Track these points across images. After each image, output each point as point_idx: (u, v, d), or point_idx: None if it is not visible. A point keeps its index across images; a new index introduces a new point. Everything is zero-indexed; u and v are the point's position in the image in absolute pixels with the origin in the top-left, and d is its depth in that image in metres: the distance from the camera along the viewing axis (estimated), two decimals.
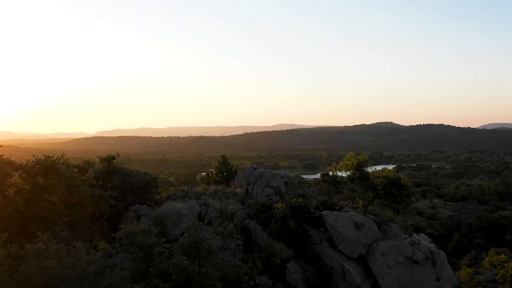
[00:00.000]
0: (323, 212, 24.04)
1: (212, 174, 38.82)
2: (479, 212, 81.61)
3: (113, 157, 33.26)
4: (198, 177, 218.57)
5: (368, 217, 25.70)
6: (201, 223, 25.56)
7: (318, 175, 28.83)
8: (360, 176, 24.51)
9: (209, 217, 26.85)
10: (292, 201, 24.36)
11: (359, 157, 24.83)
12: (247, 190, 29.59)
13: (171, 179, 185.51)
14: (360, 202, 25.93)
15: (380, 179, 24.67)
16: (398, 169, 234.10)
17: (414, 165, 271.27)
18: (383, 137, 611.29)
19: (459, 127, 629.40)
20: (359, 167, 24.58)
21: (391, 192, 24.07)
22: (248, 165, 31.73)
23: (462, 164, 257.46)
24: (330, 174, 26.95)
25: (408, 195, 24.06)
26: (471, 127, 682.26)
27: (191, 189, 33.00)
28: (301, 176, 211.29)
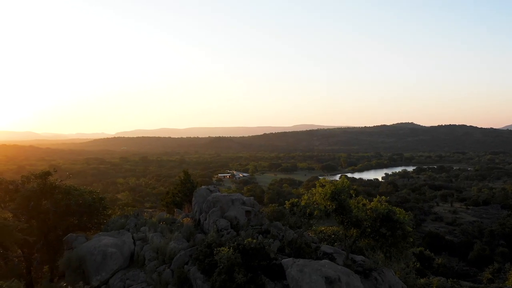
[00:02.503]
0: (284, 261, 17.10)
1: (172, 193, 31.73)
2: (502, 218, 76.49)
3: (48, 173, 27.13)
4: (214, 178, 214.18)
5: (352, 260, 18.93)
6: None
7: (337, 177, 21.02)
8: (337, 209, 17.32)
9: (143, 257, 20.23)
10: (245, 242, 17.63)
11: (337, 182, 17.75)
12: (199, 220, 22.62)
13: None
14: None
15: (367, 212, 17.48)
16: (418, 171, 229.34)
17: (435, 166, 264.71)
18: (403, 138, 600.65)
19: (481, 128, 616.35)
20: (336, 196, 17.34)
21: (380, 231, 16.92)
22: (203, 187, 24.39)
23: (485, 166, 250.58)
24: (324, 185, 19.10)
25: (404, 236, 16.85)
26: (494, 127, 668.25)
27: (137, 215, 26.10)
28: (319, 177, 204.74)
